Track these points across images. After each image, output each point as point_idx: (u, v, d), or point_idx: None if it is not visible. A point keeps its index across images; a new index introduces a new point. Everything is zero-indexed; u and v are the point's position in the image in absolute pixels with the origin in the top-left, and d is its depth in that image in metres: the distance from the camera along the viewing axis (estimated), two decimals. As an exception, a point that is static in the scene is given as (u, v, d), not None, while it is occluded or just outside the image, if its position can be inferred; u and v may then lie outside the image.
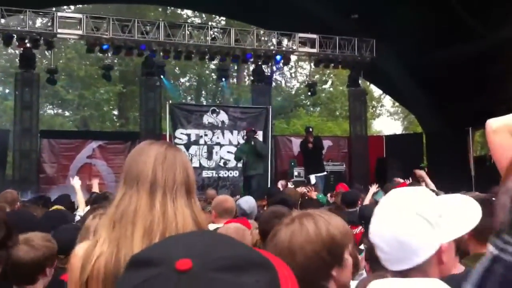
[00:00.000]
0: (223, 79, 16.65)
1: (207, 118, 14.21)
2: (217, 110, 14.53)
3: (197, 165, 13.77)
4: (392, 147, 16.91)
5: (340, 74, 25.22)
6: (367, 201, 6.79)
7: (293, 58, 17.93)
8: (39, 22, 13.70)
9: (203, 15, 26.95)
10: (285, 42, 15.62)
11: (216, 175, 14.14)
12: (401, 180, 7.50)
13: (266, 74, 16.43)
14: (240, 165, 12.70)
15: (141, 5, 23.58)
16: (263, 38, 15.30)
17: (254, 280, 0.64)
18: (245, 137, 12.41)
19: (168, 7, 26.29)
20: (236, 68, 26.66)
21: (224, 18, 24.70)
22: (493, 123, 1.45)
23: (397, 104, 28.20)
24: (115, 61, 22.64)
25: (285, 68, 27.44)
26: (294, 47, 15.21)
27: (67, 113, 28.18)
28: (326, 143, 15.77)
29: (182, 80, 30.26)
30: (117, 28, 13.50)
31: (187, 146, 13.81)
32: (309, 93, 17.56)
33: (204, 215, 1.70)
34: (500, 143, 1.43)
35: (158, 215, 1.47)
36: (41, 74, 14.39)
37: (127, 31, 13.46)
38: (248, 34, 14.95)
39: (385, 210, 1.47)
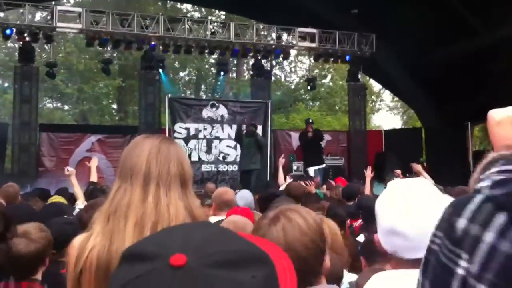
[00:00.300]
0: (222, 74, 16.62)
1: (206, 112, 14.19)
2: (217, 104, 14.51)
3: (196, 159, 13.77)
4: (391, 142, 16.91)
5: (339, 68, 25.18)
6: (367, 190, 6.81)
7: (293, 52, 17.88)
8: (38, 15, 13.64)
9: (203, 9, 26.87)
10: (284, 36, 15.59)
11: (215, 169, 14.14)
12: (399, 172, 7.52)
13: (265, 68, 16.39)
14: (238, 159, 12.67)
15: (141, -1, 23.52)
16: (262, 32, 15.26)
17: (250, 276, 0.63)
18: (244, 131, 12.35)
19: (168, 1, 26.18)
20: (235, 62, 26.61)
21: (223, 13, 24.63)
22: (497, 115, 1.44)
23: (396, 99, 28.17)
24: (115, 55, 22.59)
25: (285, 63, 27.40)
26: (294, 42, 15.17)
27: (66, 107, 28.12)
28: (326, 137, 15.74)
29: (181, 74, 30.17)
30: (117, 22, 13.44)
31: (186, 140, 13.81)
32: (309, 88, 17.53)
33: (202, 207, 1.71)
34: (505, 135, 1.41)
35: (150, 208, 1.47)
36: (40, 68, 14.36)
37: (127, 25, 13.41)
38: (248, 29, 14.90)
39: (414, 197, 1.52)
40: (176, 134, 13.57)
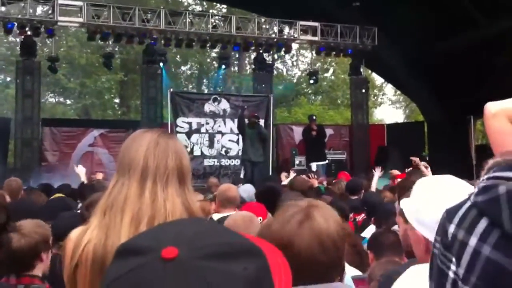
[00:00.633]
0: (223, 67, 16.59)
1: (208, 107, 14.18)
2: (219, 99, 14.49)
3: (198, 153, 13.78)
4: (394, 136, 16.90)
5: (341, 62, 25.10)
6: (373, 187, 6.80)
7: (295, 46, 17.83)
8: (39, 10, 13.64)
9: (204, 3, 26.78)
10: (286, 30, 15.54)
11: (218, 163, 14.14)
12: (398, 172, 7.51)
13: (267, 62, 16.37)
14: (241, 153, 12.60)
15: (142, -7, 23.42)
16: (264, 26, 15.22)
17: (242, 268, 0.63)
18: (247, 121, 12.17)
19: (169, -5, 26.14)
20: (237, 56, 26.54)
21: (225, 6, 24.56)
22: (492, 107, 1.43)
23: (398, 92, 28.07)
24: (116, 49, 22.55)
25: (287, 56, 27.32)
26: (296, 35, 15.14)
27: (68, 102, 28.14)
28: (328, 132, 15.75)
29: (183, 68, 30.13)
30: (118, 16, 13.43)
31: (189, 134, 13.81)
32: (311, 82, 17.51)
33: (199, 203, 1.70)
34: (500, 128, 1.40)
35: (147, 203, 1.47)
36: (42, 62, 14.36)
37: (128, 19, 13.40)
38: (249, 22, 14.87)
39: (456, 190, 1.55)
40: (178, 129, 13.57)
